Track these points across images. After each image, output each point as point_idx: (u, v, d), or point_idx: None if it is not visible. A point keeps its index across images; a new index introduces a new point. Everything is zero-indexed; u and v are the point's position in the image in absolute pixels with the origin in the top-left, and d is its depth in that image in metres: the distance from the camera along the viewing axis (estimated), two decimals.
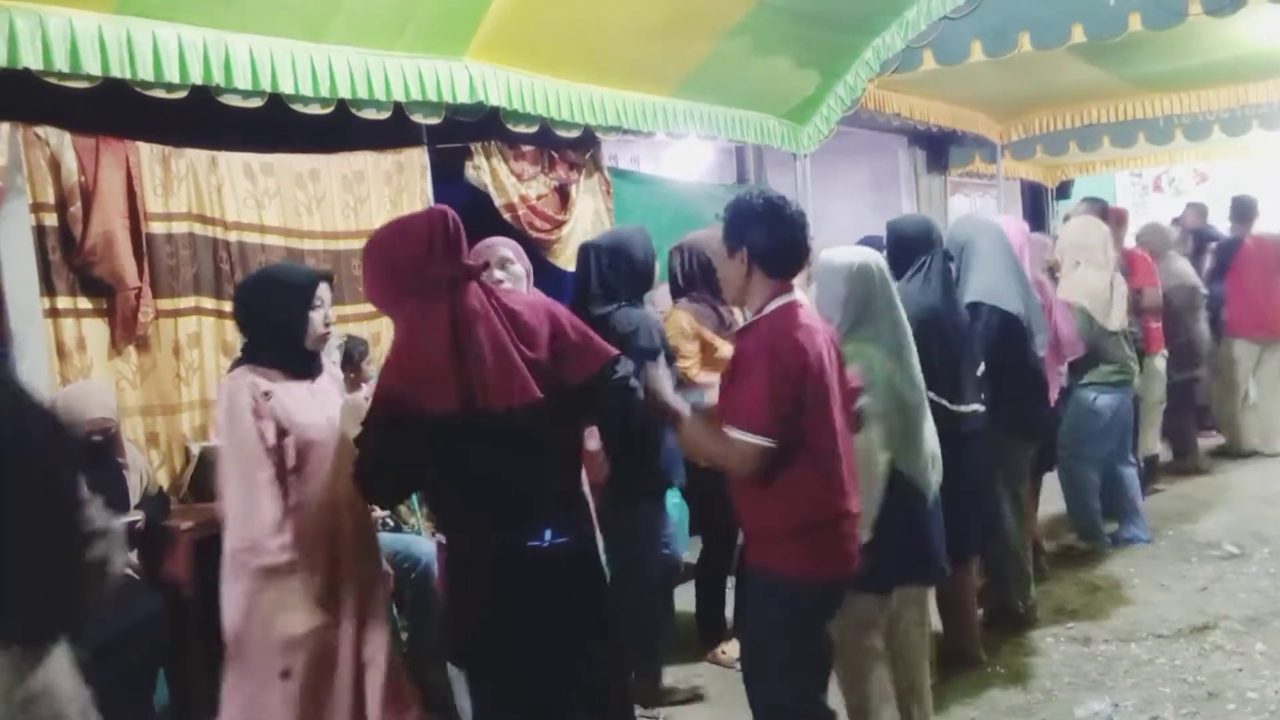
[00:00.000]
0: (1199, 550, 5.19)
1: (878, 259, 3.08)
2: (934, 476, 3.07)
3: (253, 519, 2.56)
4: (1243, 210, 7.47)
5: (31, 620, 1.74)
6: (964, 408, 3.53)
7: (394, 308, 2.38)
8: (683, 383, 3.55)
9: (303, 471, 2.64)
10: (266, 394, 2.62)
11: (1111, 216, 5.85)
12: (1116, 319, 5.00)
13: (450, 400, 2.21)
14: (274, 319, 2.69)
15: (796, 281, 4.54)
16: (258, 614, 2.58)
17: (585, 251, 3.72)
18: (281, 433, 2.61)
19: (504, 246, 3.35)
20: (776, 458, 2.42)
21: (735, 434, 2.44)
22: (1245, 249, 7.28)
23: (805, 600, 2.54)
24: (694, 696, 3.77)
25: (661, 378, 2.57)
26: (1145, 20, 5.69)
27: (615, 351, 2.48)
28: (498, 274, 3.17)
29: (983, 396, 3.66)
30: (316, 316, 2.69)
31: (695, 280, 4.01)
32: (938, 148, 9.97)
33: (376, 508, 2.92)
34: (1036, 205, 11.87)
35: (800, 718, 2.61)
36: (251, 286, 2.81)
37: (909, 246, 3.63)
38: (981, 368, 3.71)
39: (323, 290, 2.73)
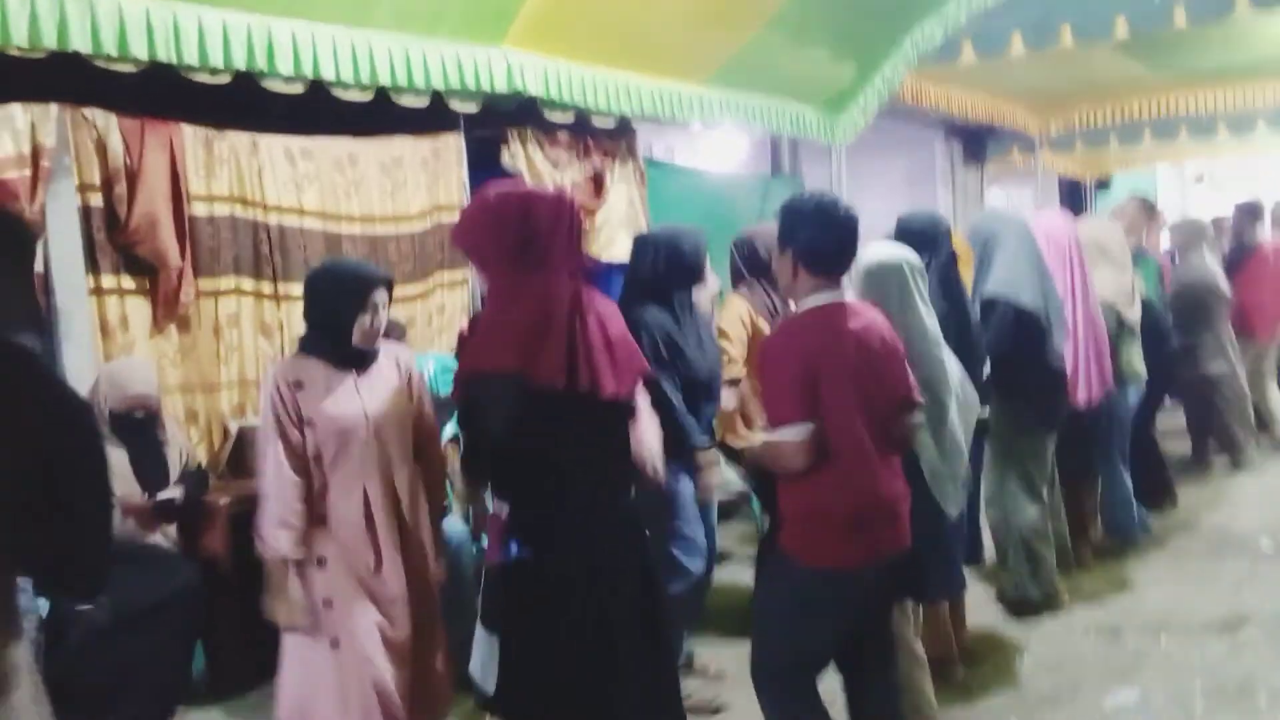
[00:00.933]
0: (1233, 547, 5.13)
1: (907, 256, 3.09)
2: (958, 480, 3.07)
3: (271, 499, 2.65)
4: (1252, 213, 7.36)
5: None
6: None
7: (504, 269, 2.38)
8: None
9: (330, 460, 2.70)
10: (298, 383, 2.69)
11: (1158, 215, 5.80)
12: (1134, 315, 4.99)
13: (560, 376, 2.29)
14: (325, 313, 2.75)
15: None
16: (306, 588, 2.68)
17: (638, 243, 3.73)
18: (306, 422, 2.68)
19: None
20: (821, 438, 2.48)
21: (776, 435, 2.50)
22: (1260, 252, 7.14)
23: (821, 591, 2.57)
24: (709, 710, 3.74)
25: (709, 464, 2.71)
26: (1190, 14, 5.62)
27: (641, 372, 2.55)
28: None
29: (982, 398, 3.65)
30: (366, 319, 2.73)
31: (755, 270, 4.07)
32: (975, 141, 9.89)
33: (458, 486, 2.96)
34: (1075, 199, 11.75)
35: (786, 700, 2.64)
36: (314, 276, 2.87)
37: (915, 242, 3.61)
38: (988, 367, 3.68)
39: (379, 295, 2.76)
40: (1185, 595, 4.49)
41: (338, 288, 2.75)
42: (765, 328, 3.93)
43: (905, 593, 3.05)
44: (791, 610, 2.60)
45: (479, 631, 2.43)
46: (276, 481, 2.65)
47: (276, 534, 2.63)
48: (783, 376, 2.52)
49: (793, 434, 2.47)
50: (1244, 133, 9.44)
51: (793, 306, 2.99)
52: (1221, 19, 5.62)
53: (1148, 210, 5.84)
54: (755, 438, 2.69)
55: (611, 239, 5.34)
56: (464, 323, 3.52)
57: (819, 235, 2.58)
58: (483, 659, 2.41)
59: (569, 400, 2.30)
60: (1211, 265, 6.52)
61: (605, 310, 2.46)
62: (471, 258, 2.54)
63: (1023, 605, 4.25)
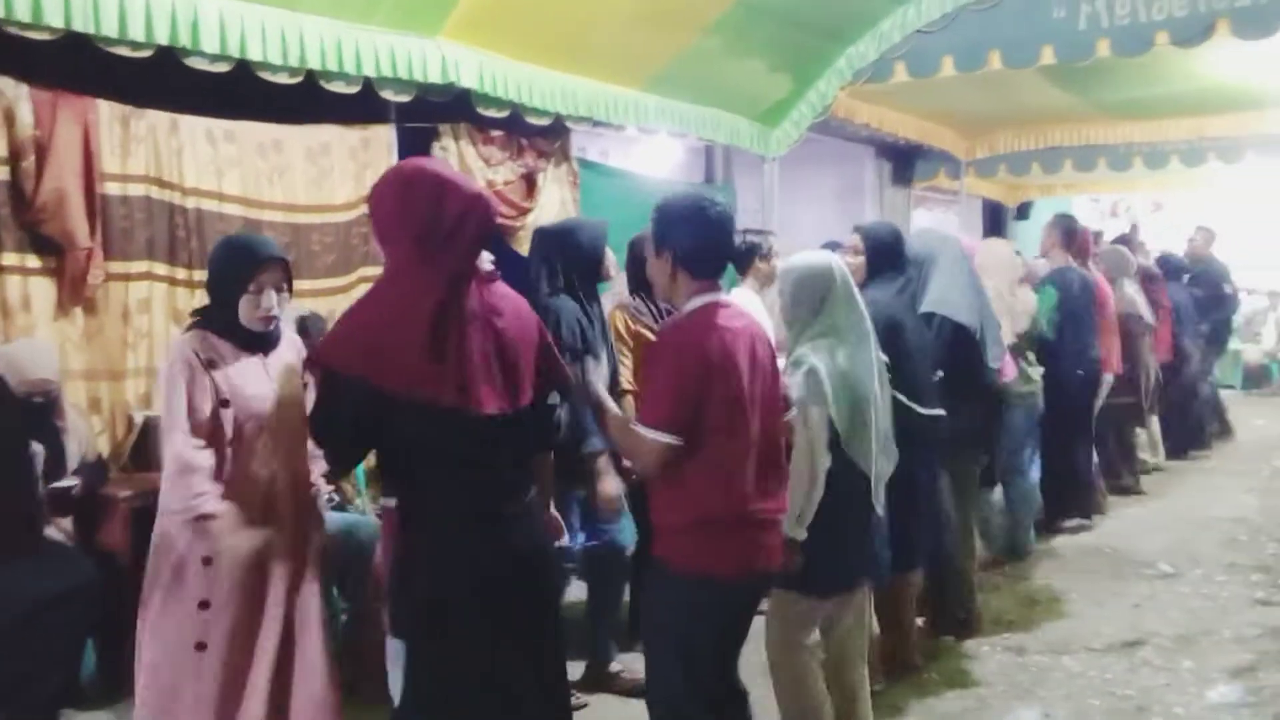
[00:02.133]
0: (1134, 569, 5.30)
1: (836, 261, 3.12)
2: (884, 469, 3.09)
3: (178, 484, 2.52)
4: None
5: None
6: (929, 410, 3.57)
7: (399, 248, 2.30)
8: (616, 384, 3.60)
9: (244, 443, 2.58)
10: (210, 361, 2.57)
11: (1078, 237, 6.00)
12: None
13: (415, 389, 2.20)
14: (218, 288, 2.64)
15: (749, 284, 4.56)
16: (179, 583, 2.53)
17: (535, 237, 3.81)
18: (222, 403, 2.56)
19: None
20: (681, 454, 2.45)
21: (640, 429, 2.47)
22: None
23: (698, 597, 2.54)
24: (639, 690, 3.75)
25: (593, 370, 2.64)
26: (1114, 46, 5.79)
27: (562, 380, 2.51)
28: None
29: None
30: (250, 301, 2.58)
31: (641, 276, 4.05)
32: (904, 160, 10.08)
33: (323, 481, 2.85)
34: (996, 223, 12.05)
35: (681, 713, 2.60)
36: (214, 251, 2.75)
37: (888, 255, 3.68)
38: (939, 375, 3.76)
39: (268, 275, 2.60)
40: (1088, 615, 4.62)
41: (227, 263, 2.63)
42: (648, 335, 3.91)
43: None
44: (674, 621, 2.56)
45: (390, 642, 2.36)
46: (186, 455, 2.50)
47: (204, 500, 2.50)
48: (668, 380, 2.48)
49: (655, 436, 2.44)
50: (1157, 167, 9.78)
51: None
52: (1142, 53, 5.80)
53: (1067, 231, 6.00)
54: (621, 414, 2.62)
55: None
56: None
57: (697, 236, 2.55)
58: (392, 672, 2.34)
59: (432, 412, 2.21)
60: (1133, 294, 6.75)
61: (509, 320, 2.37)
62: (374, 228, 2.42)
63: (946, 622, 4.31)
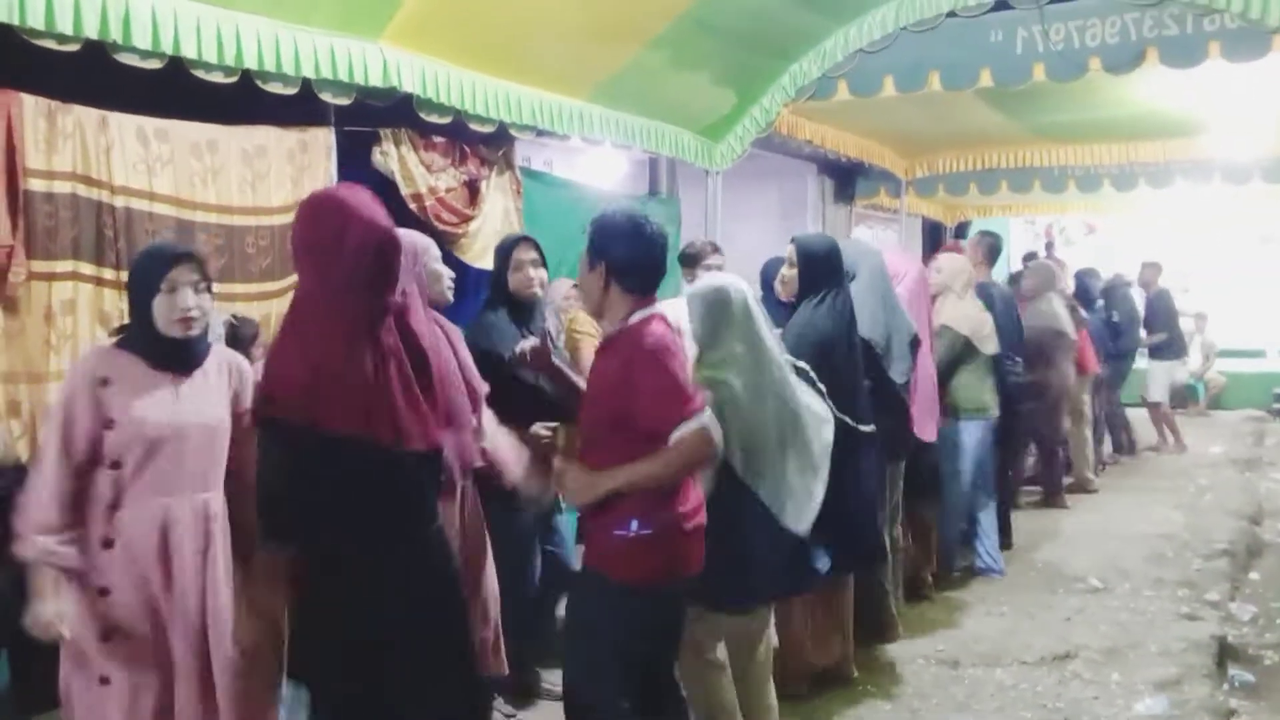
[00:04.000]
0: (1065, 583, 5.40)
1: (740, 286, 3.14)
2: (803, 486, 3.09)
3: (36, 496, 2.44)
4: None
5: None
6: (865, 427, 3.60)
7: (308, 275, 2.28)
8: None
9: (129, 468, 2.47)
10: (105, 380, 2.46)
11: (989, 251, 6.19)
12: (991, 348, 5.23)
13: (357, 422, 2.18)
14: (133, 297, 2.54)
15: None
16: (78, 612, 2.45)
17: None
18: (106, 423, 2.44)
19: (433, 246, 3.28)
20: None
21: (677, 432, 2.45)
22: None
23: (640, 604, 2.56)
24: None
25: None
26: (1048, 71, 5.93)
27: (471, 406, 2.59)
28: (440, 268, 3.12)
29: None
30: (164, 301, 2.47)
31: None
32: (846, 178, 10.20)
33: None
34: (935, 242, 12.24)
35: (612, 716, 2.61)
36: (133, 260, 2.66)
37: (822, 270, 3.69)
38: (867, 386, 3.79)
39: (181, 273, 2.48)
40: (1020, 628, 4.69)
41: (139, 266, 2.55)
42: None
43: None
44: (613, 629, 2.56)
45: (286, 686, 2.31)
46: (48, 478, 2.42)
47: (35, 537, 2.41)
48: (669, 376, 2.49)
49: (693, 423, 2.45)
50: (1090, 190, 10.03)
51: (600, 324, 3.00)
52: (1075, 78, 5.94)
53: (987, 247, 6.16)
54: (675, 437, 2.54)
55: (485, 249, 5.23)
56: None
57: (633, 251, 2.57)
58: (290, 714, 2.30)
59: (370, 451, 2.20)
60: (1059, 309, 6.90)
61: (430, 351, 2.36)
62: (293, 252, 2.40)
63: (868, 632, 4.34)
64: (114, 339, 2.60)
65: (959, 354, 5.13)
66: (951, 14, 5.34)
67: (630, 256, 2.58)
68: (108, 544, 2.46)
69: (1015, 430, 6.02)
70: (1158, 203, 11.10)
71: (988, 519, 5.50)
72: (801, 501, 3.09)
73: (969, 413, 5.19)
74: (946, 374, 5.11)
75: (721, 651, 3.11)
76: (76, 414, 2.44)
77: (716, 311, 3.06)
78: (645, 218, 2.62)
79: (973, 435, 5.22)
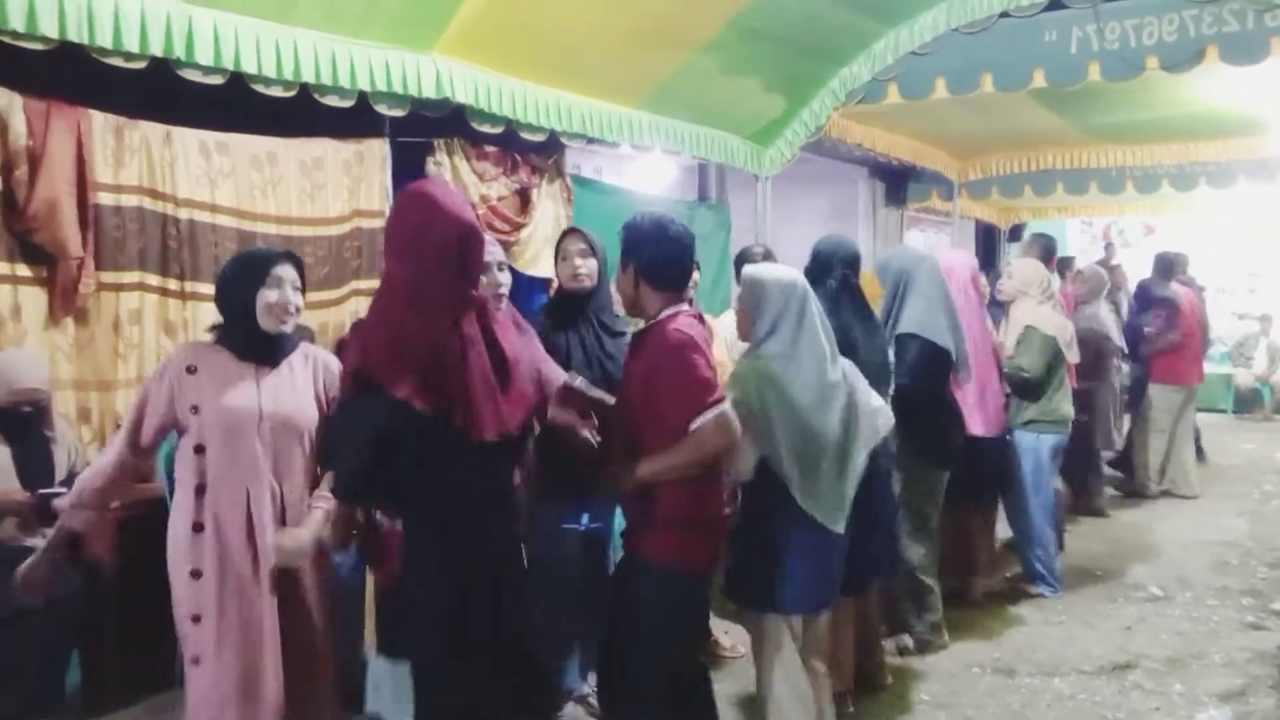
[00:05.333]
0: (1125, 591, 5.30)
1: (801, 277, 3.14)
2: (848, 491, 3.10)
3: (93, 468, 2.65)
4: (1165, 267, 7.75)
5: None
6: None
7: (397, 266, 2.36)
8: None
9: (212, 453, 2.58)
10: (192, 367, 2.61)
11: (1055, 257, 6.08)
12: (1073, 356, 5.16)
13: (435, 401, 2.25)
14: (228, 295, 2.68)
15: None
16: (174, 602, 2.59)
17: None
18: (192, 408, 2.58)
19: (496, 248, 3.28)
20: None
21: (700, 418, 2.58)
22: (1182, 305, 7.54)
23: (683, 591, 2.70)
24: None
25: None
26: (1104, 70, 5.83)
27: (533, 402, 2.56)
28: (498, 276, 3.14)
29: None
30: (268, 294, 2.63)
31: None
32: (897, 181, 10.12)
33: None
34: (989, 245, 12.10)
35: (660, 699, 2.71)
36: (224, 266, 2.83)
37: (818, 266, 3.68)
38: (892, 390, 3.73)
39: (281, 269, 2.65)
40: (1078, 636, 4.61)
41: (240, 267, 2.70)
42: None
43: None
44: (660, 618, 2.67)
45: (377, 663, 2.35)
46: (105, 453, 2.65)
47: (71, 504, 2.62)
48: (693, 369, 2.62)
49: (718, 409, 2.59)
50: (1149, 191, 9.84)
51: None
52: (1131, 77, 5.84)
53: (1041, 249, 6.07)
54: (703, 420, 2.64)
55: (537, 256, 5.30)
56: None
57: (658, 252, 2.74)
58: (390, 692, 2.33)
59: (450, 433, 2.26)
60: (1106, 315, 6.80)
61: (510, 344, 2.42)
62: (384, 245, 2.52)
63: (918, 642, 4.30)
64: (209, 335, 2.74)
65: (1050, 359, 4.98)
66: (1004, 14, 5.28)
67: (657, 257, 2.74)
68: (198, 528, 2.57)
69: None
70: (1219, 203, 10.85)
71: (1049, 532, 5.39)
72: (836, 501, 3.09)
73: (1051, 425, 5.08)
74: (1043, 381, 4.94)
75: (795, 654, 3.12)
76: (152, 397, 2.60)
77: (786, 298, 3.05)
78: (671, 220, 2.79)
79: (1050, 447, 5.10)
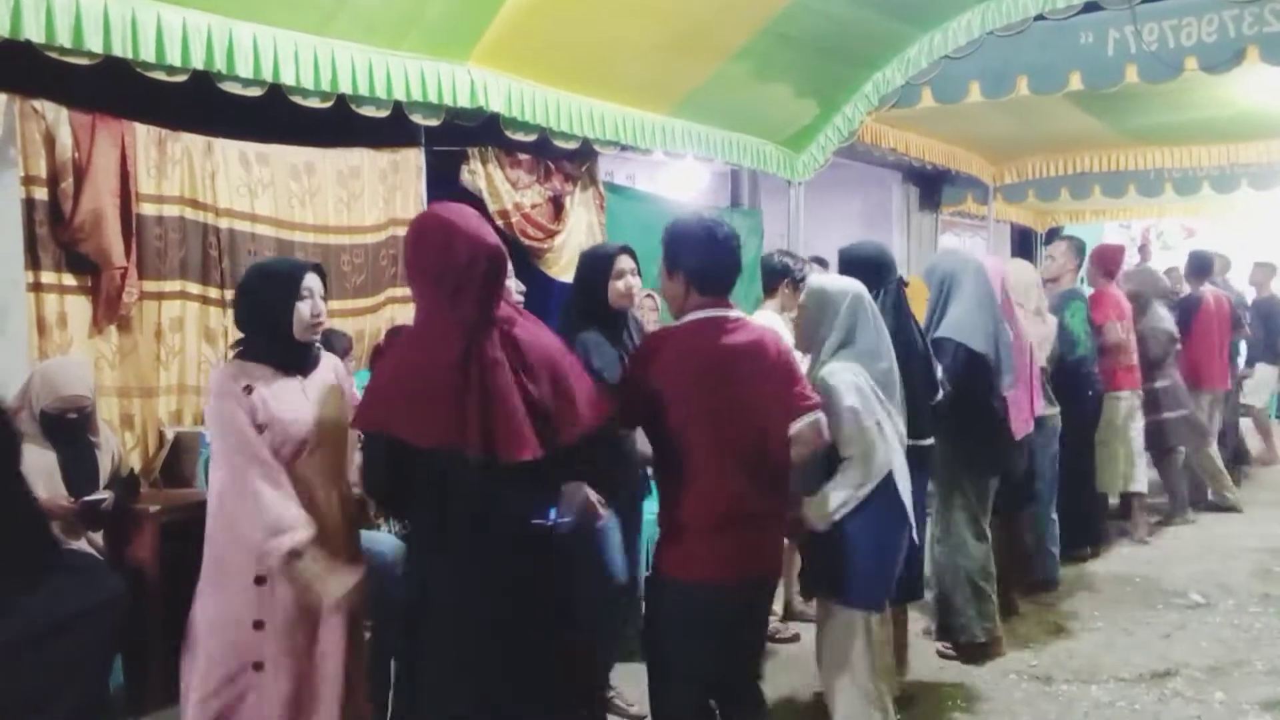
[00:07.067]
0: (1165, 598, 5.22)
1: (854, 284, 3.16)
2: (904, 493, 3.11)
3: (259, 517, 2.52)
4: (1199, 267, 7.60)
5: None
6: (919, 441, 3.52)
7: (420, 291, 2.40)
8: None
9: (284, 466, 2.61)
10: (247, 388, 2.60)
11: (1092, 255, 6.01)
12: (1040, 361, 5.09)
13: (443, 435, 2.24)
14: (262, 310, 2.68)
15: (771, 305, 4.50)
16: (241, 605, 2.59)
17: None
18: (259, 427, 2.59)
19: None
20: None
21: (800, 422, 2.65)
22: (1205, 305, 7.38)
23: (684, 601, 2.61)
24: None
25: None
26: (1142, 72, 5.77)
27: (604, 411, 2.52)
28: (510, 284, 3.14)
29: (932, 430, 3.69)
30: (304, 306, 2.66)
31: None
32: (931, 185, 10.05)
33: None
34: (1025, 249, 11.98)
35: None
36: (244, 279, 2.81)
37: (862, 277, 3.63)
38: (940, 395, 3.71)
39: (311, 280, 2.69)
40: (1116, 644, 4.55)
41: (269, 280, 2.69)
42: None
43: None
44: (671, 627, 2.64)
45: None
46: (270, 489, 2.53)
47: (282, 537, 2.52)
48: (628, 376, 2.69)
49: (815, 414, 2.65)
50: (1189, 193, 9.70)
51: None
52: (1170, 79, 5.77)
53: (1077, 251, 5.99)
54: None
55: (570, 263, 5.32)
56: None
57: (704, 256, 2.68)
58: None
59: (459, 461, 2.25)
60: (1163, 312, 6.69)
61: (538, 361, 2.38)
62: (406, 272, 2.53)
63: (970, 648, 4.27)
64: (234, 354, 2.74)
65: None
66: (1039, 17, 5.25)
67: (701, 261, 2.68)
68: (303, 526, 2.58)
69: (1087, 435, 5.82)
70: (1262, 204, 10.67)
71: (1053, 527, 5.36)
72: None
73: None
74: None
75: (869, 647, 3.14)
76: (242, 422, 2.55)
77: (855, 308, 3.09)
78: (716, 222, 2.72)
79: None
